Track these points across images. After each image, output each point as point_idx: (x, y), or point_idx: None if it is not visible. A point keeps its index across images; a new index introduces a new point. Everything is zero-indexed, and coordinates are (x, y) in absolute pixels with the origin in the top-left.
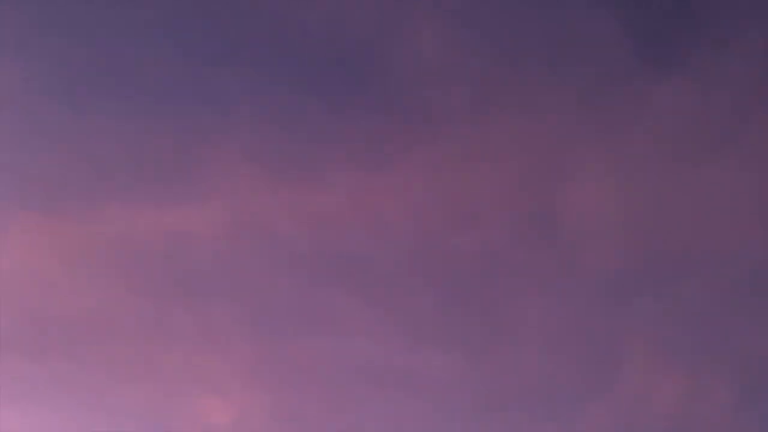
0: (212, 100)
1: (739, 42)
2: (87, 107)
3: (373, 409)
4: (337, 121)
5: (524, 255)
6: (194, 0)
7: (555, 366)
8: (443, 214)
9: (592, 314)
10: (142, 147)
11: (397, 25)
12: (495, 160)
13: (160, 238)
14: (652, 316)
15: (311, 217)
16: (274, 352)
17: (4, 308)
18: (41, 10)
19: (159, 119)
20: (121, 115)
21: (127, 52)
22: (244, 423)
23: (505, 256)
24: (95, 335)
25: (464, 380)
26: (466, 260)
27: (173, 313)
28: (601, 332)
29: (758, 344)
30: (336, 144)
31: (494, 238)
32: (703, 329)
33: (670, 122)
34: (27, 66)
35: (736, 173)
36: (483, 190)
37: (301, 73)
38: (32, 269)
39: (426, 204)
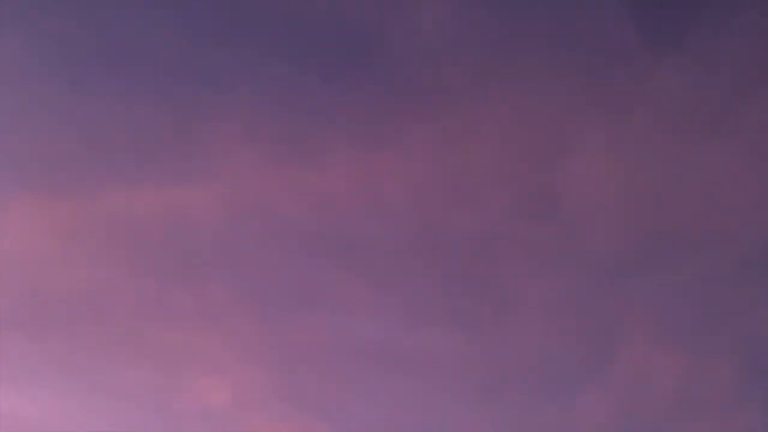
0: (212, 79)
1: (740, 20)
2: (87, 87)
3: (373, 388)
4: (337, 100)
5: (525, 233)
6: None
7: (555, 345)
8: (444, 192)
9: (593, 293)
10: (142, 127)
11: (398, 2)
12: (496, 139)
13: (159, 218)
14: (653, 294)
15: (312, 197)
16: (274, 331)
17: (3, 288)
18: None
19: (159, 99)
20: (121, 94)
21: (127, 31)
22: (243, 402)
23: (506, 234)
24: (94, 315)
25: (464, 359)
26: (467, 238)
27: (173, 292)
28: (601, 311)
29: (759, 324)
30: (337, 123)
31: (495, 217)
32: (703, 308)
33: (671, 100)
34: (26, 45)
35: (738, 152)
36: (484, 168)
37: (301, 53)
38: (31, 249)
39: (427, 182)
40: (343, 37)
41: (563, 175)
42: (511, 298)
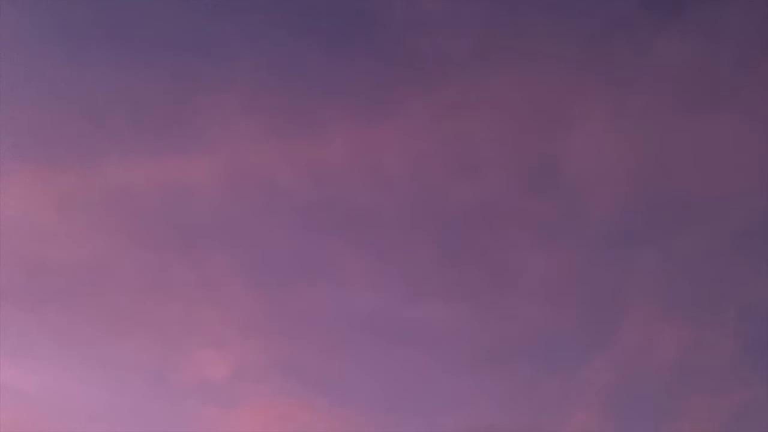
0: (211, 50)
1: None
2: (86, 58)
3: (372, 361)
4: (337, 71)
5: (526, 205)
6: None
7: (556, 317)
8: (444, 163)
9: (595, 264)
10: (141, 98)
11: None
12: (496, 109)
13: (158, 190)
14: (655, 266)
15: (311, 168)
16: (273, 303)
17: (1, 260)
18: None
19: (158, 70)
20: (120, 65)
21: (126, 1)
22: (242, 375)
23: (506, 205)
24: (92, 287)
25: (465, 331)
26: (468, 210)
27: (172, 264)
28: (603, 282)
29: (761, 295)
30: (336, 94)
31: (496, 188)
32: (705, 280)
33: (673, 71)
34: (25, 16)
35: (739, 122)
36: (484, 139)
37: (301, 24)
38: (30, 221)
39: (427, 153)
40: (343, 9)
41: (564, 147)
42: (511, 269)
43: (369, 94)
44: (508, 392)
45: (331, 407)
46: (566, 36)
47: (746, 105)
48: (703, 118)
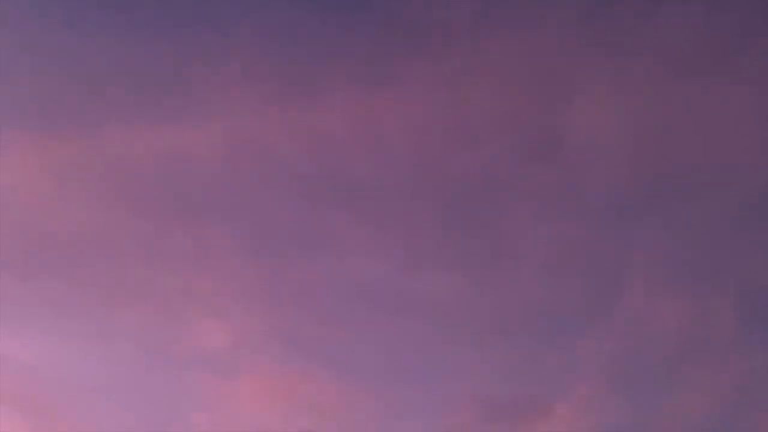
0: (211, 18)
1: None
2: (85, 27)
3: (372, 331)
4: (336, 40)
5: (527, 174)
6: None
7: (558, 287)
8: (444, 133)
9: (596, 235)
10: (140, 67)
11: None
12: (497, 78)
13: (157, 159)
14: (656, 236)
15: (311, 137)
16: (272, 273)
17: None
18: None
19: (157, 38)
20: (119, 34)
21: None
22: (242, 345)
23: (506, 175)
24: (91, 257)
25: (465, 302)
26: (468, 180)
27: (170, 234)
28: (604, 253)
29: (761, 267)
30: (336, 62)
31: (496, 158)
32: (705, 251)
33: (675, 40)
34: None
35: (742, 92)
36: (484, 109)
37: None
38: (28, 190)
39: (426, 123)
40: None
41: (565, 116)
42: (512, 239)
43: (369, 62)
44: (509, 363)
45: (330, 377)
46: (567, 4)
47: (749, 74)
48: (706, 87)
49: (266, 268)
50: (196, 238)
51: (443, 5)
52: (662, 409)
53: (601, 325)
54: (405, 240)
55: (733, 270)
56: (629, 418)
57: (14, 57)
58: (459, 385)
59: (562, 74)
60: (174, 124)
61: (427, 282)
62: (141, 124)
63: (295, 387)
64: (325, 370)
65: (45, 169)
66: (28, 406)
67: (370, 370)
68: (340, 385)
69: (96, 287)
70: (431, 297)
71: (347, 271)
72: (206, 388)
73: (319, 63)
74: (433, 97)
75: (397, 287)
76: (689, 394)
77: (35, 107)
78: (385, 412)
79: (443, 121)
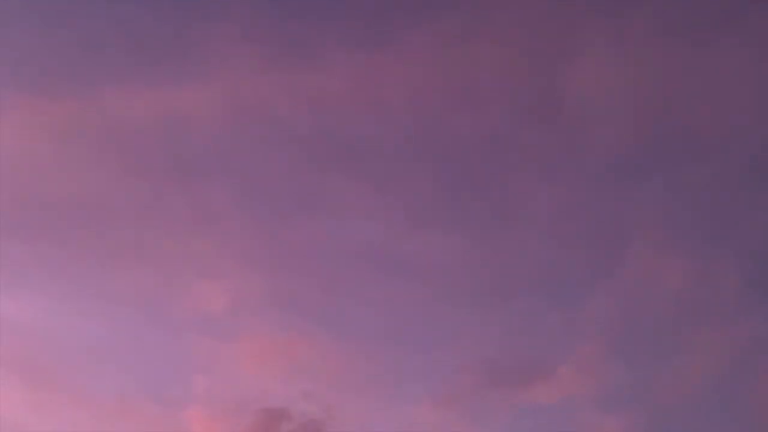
0: None
1: None
2: None
3: (372, 293)
4: (336, 1)
5: (527, 136)
6: None
7: (559, 249)
8: (444, 94)
9: (598, 196)
10: (139, 27)
11: None
12: (497, 41)
13: (156, 120)
14: (659, 198)
15: (310, 98)
16: (272, 235)
17: None
18: None
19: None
20: None
21: None
22: (240, 307)
23: (507, 137)
24: (89, 219)
25: (466, 264)
26: (469, 141)
27: (169, 196)
28: (606, 215)
29: (764, 229)
30: (336, 24)
31: (496, 120)
32: (710, 212)
33: (676, 1)
34: None
35: (744, 53)
36: (484, 70)
37: None
38: (26, 152)
39: (427, 84)
40: None
41: (565, 78)
42: (513, 201)
43: (369, 23)
44: (509, 326)
45: (329, 339)
46: None
47: (751, 35)
48: (708, 48)
49: (265, 229)
50: (194, 199)
51: None
52: (664, 371)
53: (603, 287)
54: (405, 201)
55: (736, 231)
56: (631, 380)
57: (10, 18)
58: (458, 348)
59: (563, 36)
60: (173, 85)
61: (427, 244)
62: (139, 85)
63: (294, 349)
64: (325, 333)
65: (43, 130)
66: (27, 367)
67: (369, 333)
68: (340, 348)
69: (94, 249)
70: (431, 259)
71: (347, 232)
72: (205, 349)
73: (319, 23)
74: (434, 59)
75: (397, 249)
76: (691, 356)
77: (33, 68)
78: (385, 375)
79: (444, 83)
